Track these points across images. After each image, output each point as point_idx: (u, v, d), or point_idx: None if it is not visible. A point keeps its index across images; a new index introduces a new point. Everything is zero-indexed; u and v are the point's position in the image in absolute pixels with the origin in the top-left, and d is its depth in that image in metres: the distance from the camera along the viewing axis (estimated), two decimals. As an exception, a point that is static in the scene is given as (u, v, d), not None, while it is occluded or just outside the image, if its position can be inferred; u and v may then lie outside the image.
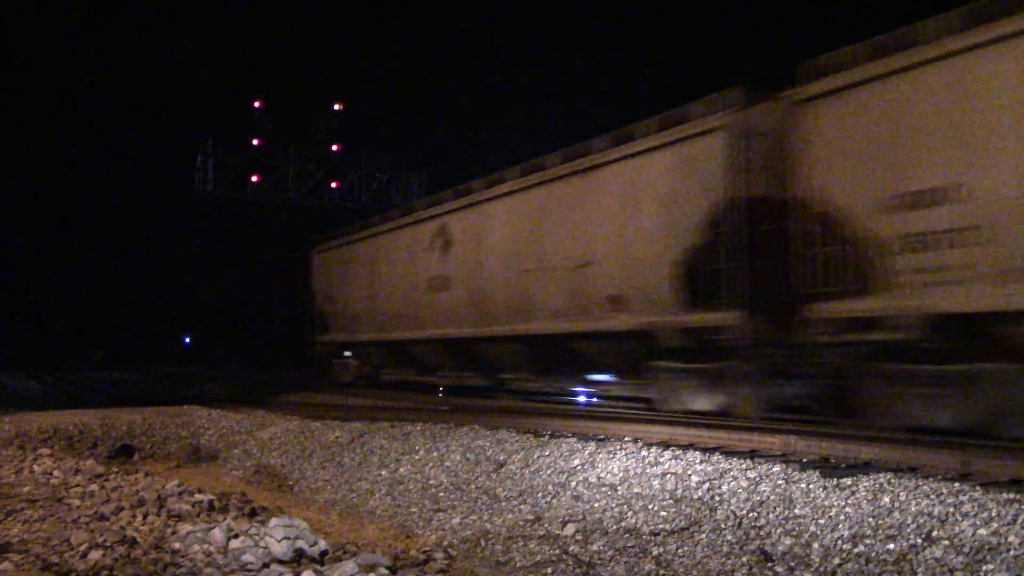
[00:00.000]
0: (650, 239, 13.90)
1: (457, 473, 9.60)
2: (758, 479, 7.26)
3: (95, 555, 6.42)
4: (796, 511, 6.50)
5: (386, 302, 22.45)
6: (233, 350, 54.40)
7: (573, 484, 8.27)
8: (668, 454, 8.44)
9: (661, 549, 6.46)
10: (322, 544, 7.23)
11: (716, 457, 8.12)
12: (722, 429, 10.50)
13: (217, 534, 7.15)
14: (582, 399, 18.72)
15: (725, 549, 6.21)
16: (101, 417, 16.20)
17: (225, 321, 60.29)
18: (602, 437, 10.20)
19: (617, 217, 14.68)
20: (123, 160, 67.44)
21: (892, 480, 6.65)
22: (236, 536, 7.20)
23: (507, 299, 17.29)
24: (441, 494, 9.12)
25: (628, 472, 8.21)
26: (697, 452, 8.44)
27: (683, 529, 6.69)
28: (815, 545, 5.93)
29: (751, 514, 6.64)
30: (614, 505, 7.54)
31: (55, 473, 10.39)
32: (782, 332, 11.77)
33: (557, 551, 6.83)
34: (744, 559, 6.02)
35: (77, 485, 9.60)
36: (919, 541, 5.59)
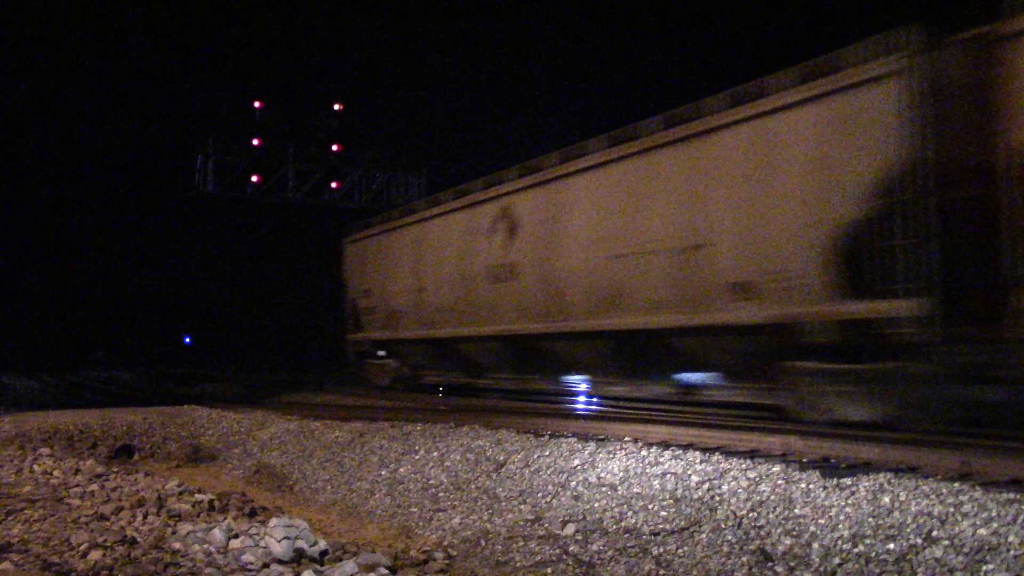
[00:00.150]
0: (790, 213, 11.63)
1: (457, 473, 9.60)
2: (758, 479, 7.26)
3: (95, 555, 6.42)
4: (796, 511, 6.50)
5: (434, 295, 20.09)
6: (234, 350, 54.42)
7: (573, 484, 8.27)
8: (668, 454, 8.44)
9: (661, 549, 6.46)
10: (322, 544, 7.23)
11: (716, 457, 8.12)
12: (722, 429, 10.50)
13: (217, 534, 7.15)
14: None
15: (725, 549, 6.21)
16: (101, 417, 16.19)
17: (226, 321, 60.27)
18: (602, 437, 10.19)
19: (741, 189, 12.37)
20: (123, 160, 67.44)
21: (892, 480, 6.65)
22: (236, 536, 7.20)
23: (589, 290, 15.06)
24: (441, 494, 9.12)
25: (628, 472, 8.21)
26: (697, 452, 8.44)
27: (683, 529, 6.69)
28: (815, 545, 5.92)
29: (751, 514, 6.64)
30: (614, 505, 7.54)
31: (55, 473, 10.39)
32: (983, 325, 9.69)
33: (557, 551, 6.83)
34: (744, 559, 6.01)
35: (77, 485, 9.60)
36: (919, 541, 5.58)
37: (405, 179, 48.72)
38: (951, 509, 5.87)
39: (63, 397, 27.24)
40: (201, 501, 9.00)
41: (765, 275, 11.93)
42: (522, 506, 8.10)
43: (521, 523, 7.68)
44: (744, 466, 7.70)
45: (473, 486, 9.05)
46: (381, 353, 23.38)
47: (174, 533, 7.29)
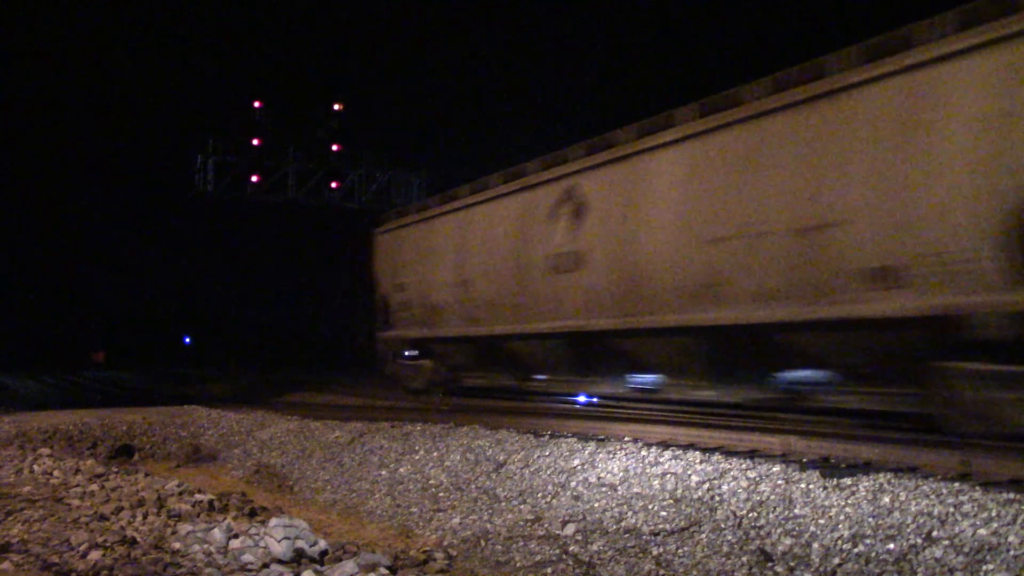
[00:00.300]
0: (953, 182, 9.72)
1: (457, 473, 9.60)
2: (758, 479, 7.26)
3: (95, 555, 6.42)
4: (796, 511, 6.50)
5: (480, 289, 18.05)
6: (235, 350, 54.44)
7: (573, 484, 8.27)
8: (668, 454, 8.44)
9: (661, 549, 6.46)
10: (322, 544, 7.24)
11: (716, 457, 8.12)
12: (722, 429, 10.51)
13: (217, 534, 7.15)
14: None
15: (725, 549, 6.21)
16: (101, 417, 16.21)
17: (226, 321, 60.30)
18: (602, 437, 10.20)
19: (883, 156, 10.50)
20: (123, 160, 67.50)
21: (892, 480, 6.65)
22: (236, 536, 7.20)
23: (679, 280, 13.12)
24: (441, 494, 9.12)
25: (628, 472, 8.21)
26: (697, 452, 8.44)
27: (683, 529, 6.69)
28: (815, 545, 5.92)
29: (751, 514, 6.64)
30: (614, 505, 7.54)
31: (55, 473, 10.39)
32: None
33: (557, 551, 6.83)
34: (744, 559, 6.02)
35: (77, 485, 9.60)
36: (919, 541, 5.58)
37: (406, 179, 48.74)
38: (951, 509, 5.87)
39: (63, 397, 27.25)
40: (201, 501, 9.01)
41: (916, 258, 9.99)
42: (522, 506, 8.10)
43: (521, 523, 7.69)
44: (744, 466, 7.70)
45: (473, 486, 9.06)
46: (412, 353, 21.35)
47: (174, 533, 7.29)
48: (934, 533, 5.63)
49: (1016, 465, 7.26)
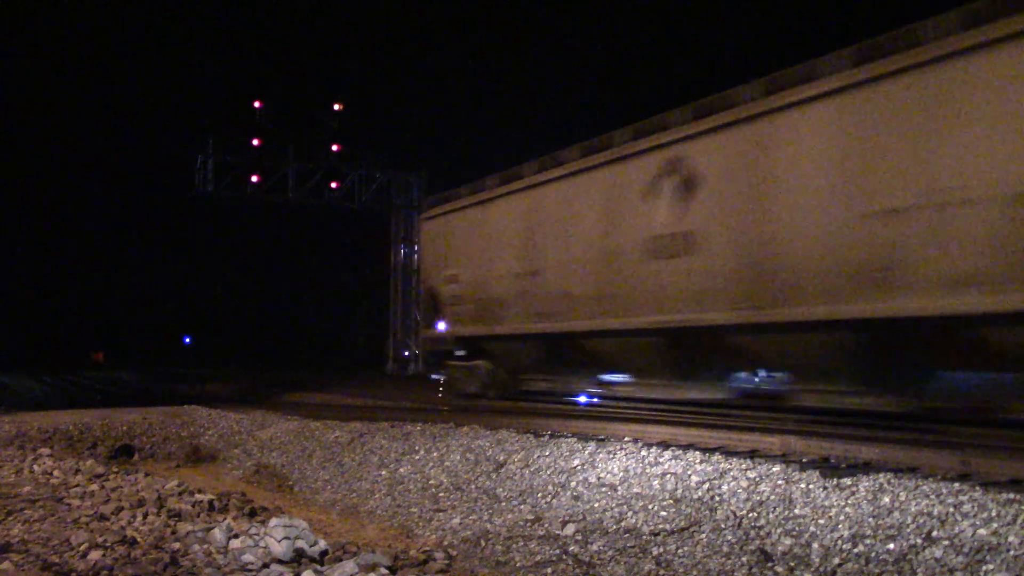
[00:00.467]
0: None
1: (457, 473, 9.61)
2: (758, 479, 7.26)
3: (95, 555, 6.42)
4: (796, 511, 6.50)
5: (555, 279, 15.91)
6: (235, 350, 54.48)
7: (573, 484, 8.27)
8: (668, 454, 8.44)
9: (661, 549, 6.46)
10: (322, 544, 7.24)
11: (716, 457, 8.12)
12: (722, 429, 10.49)
13: (217, 534, 7.15)
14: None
15: (725, 549, 6.21)
16: (101, 417, 16.22)
17: (227, 321, 60.30)
18: (602, 437, 10.19)
19: None
20: (124, 160, 67.48)
21: (892, 480, 6.65)
22: (236, 536, 7.20)
23: (830, 263, 10.99)
24: (441, 494, 9.12)
25: (628, 472, 8.21)
26: (697, 452, 8.44)
27: (683, 529, 6.69)
28: (815, 545, 5.93)
29: (751, 514, 6.64)
30: (614, 505, 7.54)
31: (55, 473, 10.40)
32: None
33: (557, 551, 6.83)
34: (744, 559, 6.02)
35: (77, 485, 9.61)
36: (919, 541, 5.58)
37: (405, 179, 48.76)
38: (951, 509, 5.87)
39: (63, 397, 27.25)
40: (201, 501, 9.01)
41: None
42: (522, 506, 8.10)
43: (521, 523, 7.69)
44: (744, 466, 7.70)
45: (473, 486, 9.06)
46: (460, 353, 19.28)
47: (174, 533, 7.29)
48: (934, 533, 5.63)
49: (1016, 465, 7.25)
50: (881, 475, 6.81)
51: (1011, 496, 5.91)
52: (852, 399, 12.55)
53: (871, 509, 6.18)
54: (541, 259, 16.32)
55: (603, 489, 7.96)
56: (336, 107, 47.33)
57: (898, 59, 10.48)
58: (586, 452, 9.01)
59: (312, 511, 9.77)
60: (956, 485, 6.35)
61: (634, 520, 7.13)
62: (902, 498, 6.22)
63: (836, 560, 5.68)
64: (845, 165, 10.85)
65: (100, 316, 62.67)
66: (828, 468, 7.69)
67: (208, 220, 58.48)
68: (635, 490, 7.79)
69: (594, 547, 6.77)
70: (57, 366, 46.82)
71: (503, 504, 8.30)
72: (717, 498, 7.14)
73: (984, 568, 5.14)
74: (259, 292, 62.45)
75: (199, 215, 56.75)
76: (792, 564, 5.80)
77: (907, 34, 10.54)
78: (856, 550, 5.71)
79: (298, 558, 6.92)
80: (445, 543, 7.74)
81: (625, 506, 7.44)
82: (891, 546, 5.64)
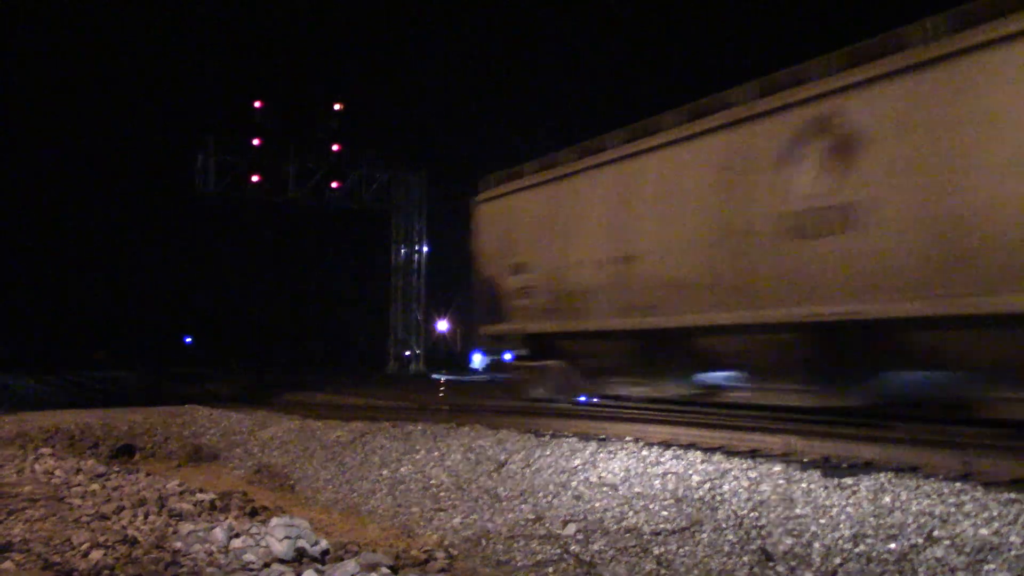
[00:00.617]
0: None
1: (458, 473, 9.61)
2: (759, 479, 7.26)
3: (96, 555, 6.42)
4: (797, 511, 6.50)
5: (652, 266, 13.72)
6: (237, 350, 54.52)
7: (574, 484, 8.27)
8: (669, 454, 8.44)
9: (662, 549, 6.46)
10: (323, 543, 7.24)
11: (717, 457, 8.11)
12: (723, 429, 10.49)
13: (218, 533, 7.16)
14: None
15: (726, 549, 6.21)
16: (102, 417, 16.22)
17: (228, 320, 60.33)
18: (603, 437, 10.19)
19: None
20: (124, 160, 67.51)
21: (893, 480, 6.64)
22: (237, 536, 7.21)
23: None
24: (442, 494, 9.12)
25: (629, 472, 8.21)
26: (698, 452, 8.44)
27: (684, 529, 6.69)
28: (816, 545, 5.93)
29: (752, 514, 6.64)
30: (615, 505, 7.55)
31: (56, 472, 10.40)
32: None
33: (558, 551, 6.83)
34: (745, 559, 6.02)
35: (78, 484, 9.61)
36: (920, 541, 5.58)
37: (407, 178, 48.82)
38: (952, 509, 5.86)
39: (64, 396, 27.26)
40: (202, 501, 9.02)
41: None
42: (523, 506, 8.10)
43: (522, 523, 7.69)
44: (745, 466, 7.70)
45: (474, 486, 9.06)
46: (522, 352, 17.48)
47: (175, 533, 7.30)
48: (935, 533, 5.63)
49: (1017, 465, 7.25)
50: (882, 475, 6.80)
51: (1012, 496, 5.91)
52: None
53: (872, 508, 6.17)
54: (636, 243, 14.17)
55: (604, 489, 7.96)
56: (336, 107, 47.41)
57: None
58: (587, 452, 9.01)
59: (313, 511, 9.77)
60: (957, 485, 6.35)
61: (635, 520, 7.13)
62: (903, 497, 6.22)
63: (837, 560, 5.68)
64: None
65: (101, 316, 62.68)
66: (829, 468, 7.70)
67: (209, 220, 58.43)
68: (636, 489, 7.79)
69: (595, 546, 6.78)
70: (59, 366, 46.82)
71: (504, 504, 8.30)
72: (718, 498, 7.14)
73: (986, 568, 5.14)
74: (260, 292, 62.47)
75: (200, 215, 56.70)
76: (793, 564, 5.80)
77: None
78: (857, 550, 5.71)
79: (299, 557, 6.92)
80: (446, 543, 7.75)
81: (626, 506, 7.44)
82: (892, 545, 5.64)
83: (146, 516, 7.91)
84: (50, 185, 65.40)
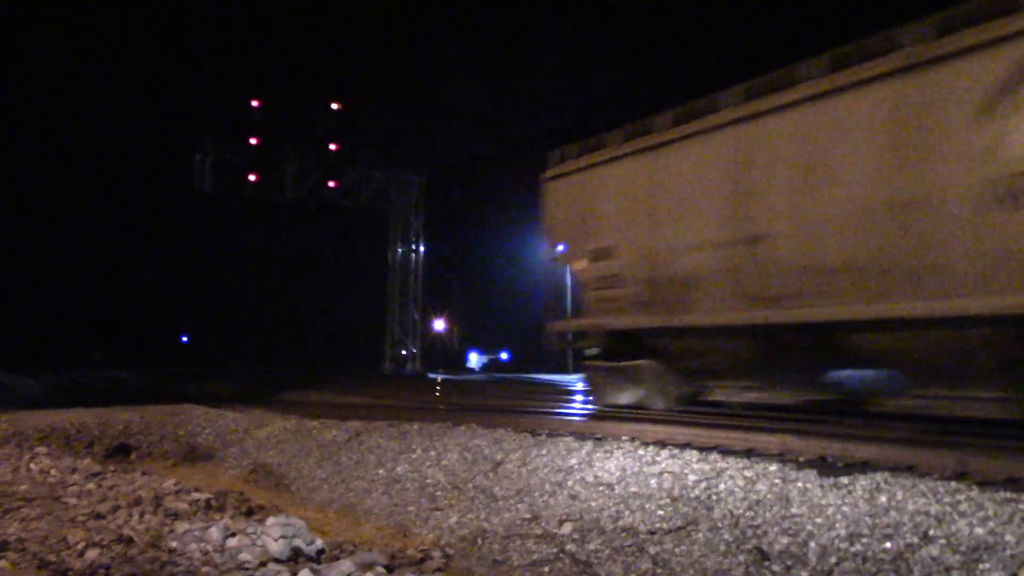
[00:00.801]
0: None
1: (454, 472, 9.60)
2: (755, 478, 7.26)
3: (92, 554, 6.42)
4: (793, 510, 6.50)
5: (791, 247, 11.55)
6: (234, 349, 54.53)
7: (570, 483, 8.26)
8: (665, 453, 8.45)
9: (658, 548, 6.46)
10: (319, 543, 7.24)
11: (713, 456, 8.12)
12: (719, 428, 10.49)
13: (214, 533, 7.15)
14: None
15: (722, 548, 6.21)
16: (98, 416, 16.20)
17: (226, 319, 60.34)
18: (599, 436, 10.19)
19: None
20: (122, 158, 67.44)
21: (889, 479, 6.65)
22: (233, 535, 7.21)
23: None
24: (438, 493, 9.11)
25: (625, 471, 8.21)
26: (694, 451, 8.44)
27: (680, 528, 6.69)
28: (812, 544, 5.92)
29: (748, 513, 6.64)
30: (611, 504, 7.54)
31: (52, 472, 10.39)
32: None
33: (554, 550, 6.83)
34: (741, 558, 6.01)
35: (74, 484, 9.60)
36: (916, 540, 5.58)
37: (404, 178, 48.83)
38: (948, 508, 5.87)
39: (61, 395, 27.23)
40: (198, 500, 9.01)
41: None
42: (519, 505, 8.10)
43: (518, 522, 7.68)
44: (741, 465, 7.71)
45: (470, 485, 9.05)
46: (592, 351, 15.48)
47: (171, 532, 7.29)
48: (931, 532, 5.63)
49: (1013, 464, 7.27)
50: (878, 474, 6.82)
51: (1008, 495, 5.93)
52: None
53: (868, 508, 6.18)
54: (762, 221, 12.06)
55: (600, 488, 7.96)
56: (334, 106, 47.39)
57: None
58: (583, 451, 9.00)
59: (309, 510, 9.76)
60: (953, 484, 6.37)
61: (631, 519, 7.13)
62: (899, 497, 6.23)
63: (833, 559, 5.68)
64: None
65: (98, 315, 62.66)
66: (825, 467, 7.71)
67: (206, 219, 58.46)
68: (632, 489, 7.79)
69: (591, 546, 6.77)
70: (56, 364, 46.79)
71: (500, 503, 8.29)
72: (714, 497, 7.14)
73: (980, 567, 5.14)
74: (257, 291, 62.45)
75: (197, 214, 56.76)
76: (789, 563, 5.80)
77: None
78: (853, 549, 5.71)
79: (295, 557, 6.92)
80: (442, 542, 7.74)
81: (622, 505, 7.44)
82: (888, 545, 5.64)
83: (142, 515, 7.91)
84: (48, 185, 65.35)
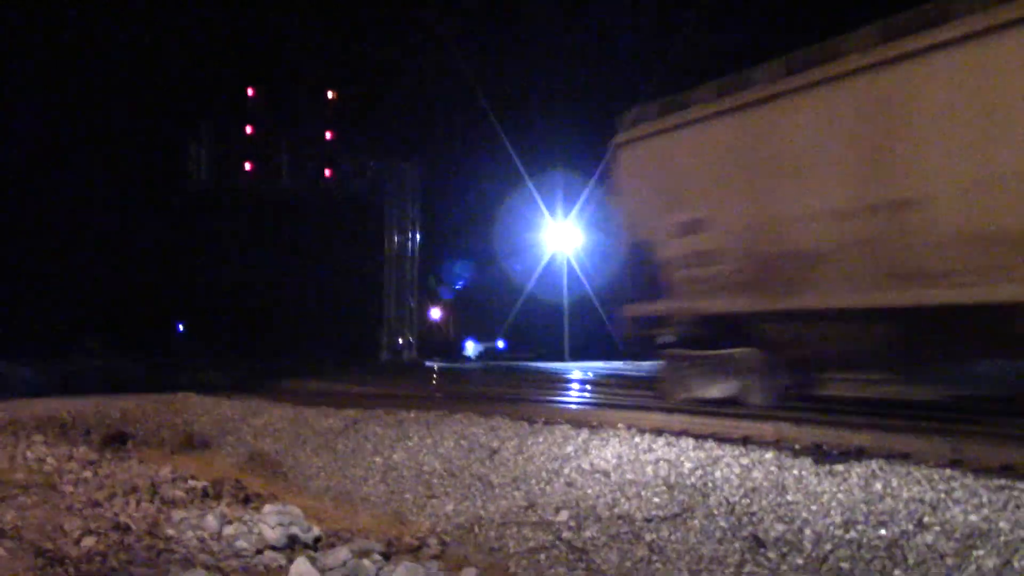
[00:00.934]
0: None
1: (451, 460, 9.61)
2: (751, 466, 7.28)
3: (88, 541, 6.43)
4: (788, 497, 6.52)
5: (954, 212, 9.68)
6: (231, 338, 54.53)
7: (566, 471, 8.27)
8: (661, 440, 8.45)
9: (654, 535, 6.47)
10: (316, 531, 7.27)
11: (709, 444, 8.13)
12: (715, 416, 10.49)
13: (211, 520, 7.18)
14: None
15: (718, 535, 6.23)
16: (95, 404, 16.21)
17: (222, 309, 60.30)
18: (595, 424, 10.19)
19: None
20: (117, 147, 67.21)
21: (884, 467, 6.67)
22: (230, 523, 7.23)
23: None
24: (435, 481, 9.13)
25: (621, 459, 8.22)
26: (690, 439, 8.44)
27: (676, 515, 6.71)
28: (807, 531, 5.94)
29: (744, 500, 6.66)
30: (607, 492, 7.55)
31: (48, 460, 10.40)
32: None
33: (550, 537, 6.85)
34: (737, 545, 6.03)
35: (70, 472, 9.62)
36: (911, 527, 5.60)
37: (400, 167, 48.76)
38: (942, 495, 5.89)
39: (57, 384, 27.19)
40: (194, 488, 9.04)
41: None
42: (515, 492, 8.11)
43: (515, 510, 7.70)
44: (737, 453, 7.72)
45: (467, 473, 9.07)
46: (666, 339, 13.61)
47: (168, 520, 7.32)
48: (925, 519, 5.65)
49: (1007, 452, 7.29)
50: (873, 462, 6.83)
51: (1002, 482, 5.94)
52: None
53: (863, 495, 6.20)
54: (913, 182, 10.21)
55: (596, 476, 7.96)
56: (330, 95, 47.29)
57: None
58: (579, 439, 9.00)
59: (306, 498, 9.78)
60: (948, 472, 6.38)
61: (627, 506, 7.14)
62: (894, 484, 6.24)
63: (828, 546, 5.70)
64: None
65: (94, 303, 62.58)
66: (820, 455, 7.71)
67: (202, 208, 58.33)
68: (628, 476, 7.80)
69: (587, 533, 6.79)
70: (51, 353, 46.76)
71: (497, 491, 8.30)
72: (710, 484, 7.15)
73: (975, 554, 5.16)
74: (253, 280, 62.26)
75: (192, 203, 56.62)
76: (784, 550, 5.82)
77: None
78: (848, 536, 5.73)
79: (292, 544, 6.94)
80: (439, 529, 7.76)
81: (618, 492, 7.45)
82: (883, 532, 5.66)
83: (138, 503, 7.93)
84: (42, 174, 65.17)
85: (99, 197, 63.81)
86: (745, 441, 8.57)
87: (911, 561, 5.29)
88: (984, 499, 5.69)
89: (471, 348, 54.06)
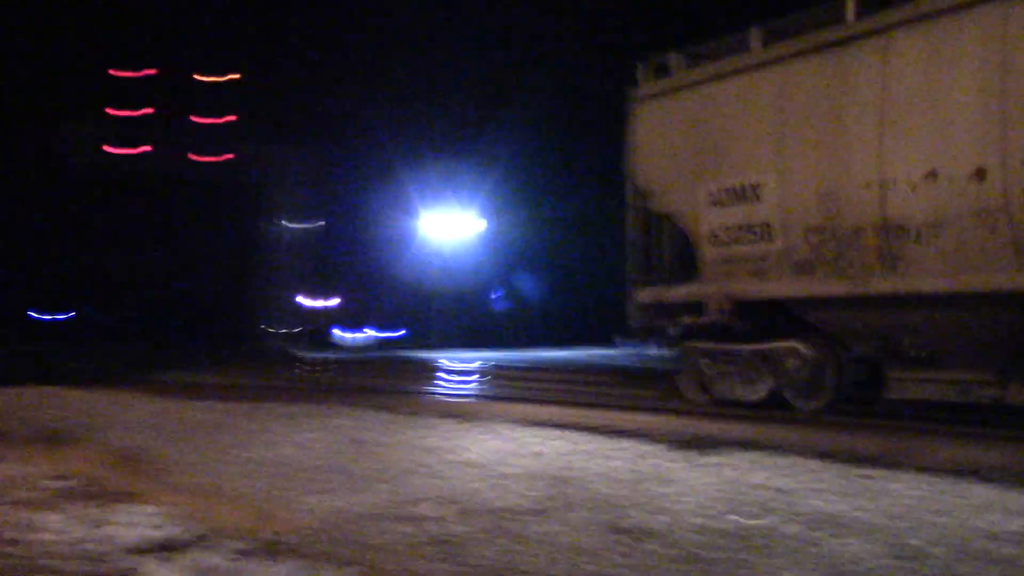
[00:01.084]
0: None
1: (317, 453, 9.43)
2: (632, 459, 7.31)
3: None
4: (660, 489, 6.53)
5: None
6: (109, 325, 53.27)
7: (432, 463, 8.18)
8: (528, 432, 8.42)
9: (519, 527, 6.41)
10: (174, 529, 7.01)
11: (575, 435, 8.14)
12: (586, 408, 10.51)
13: (59, 522, 6.90)
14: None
15: (581, 526, 6.18)
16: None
17: (90, 294, 58.74)
18: (461, 415, 10.14)
19: None
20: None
21: (762, 457, 6.75)
22: (80, 524, 6.95)
23: None
24: (300, 474, 8.94)
25: (490, 451, 8.17)
26: (571, 431, 8.46)
27: (540, 508, 6.65)
28: (672, 520, 5.93)
29: (609, 491, 6.63)
30: (474, 484, 7.48)
31: None
32: None
33: (414, 529, 6.73)
34: (601, 536, 5.99)
35: None
36: (776, 519, 5.65)
37: (299, 153, 48.53)
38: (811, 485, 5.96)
39: None
40: (47, 487, 8.68)
41: None
42: (380, 485, 7.99)
43: (380, 503, 7.57)
44: (614, 445, 7.75)
45: (332, 465, 8.93)
46: (681, 324, 12.07)
47: (11, 523, 6.98)
48: (796, 508, 5.71)
49: (878, 442, 7.44)
50: (747, 453, 6.90)
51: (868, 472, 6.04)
52: None
53: (733, 487, 6.23)
54: None
55: (463, 467, 7.90)
56: (232, 77, 46.84)
57: None
58: (448, 431, 8.93)
59: (168, 495, 9.45)
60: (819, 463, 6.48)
61: (494, 498, 7.07)
62: (766, 476, 6.31)
63: (696, 537, 5.69)
64: None
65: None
66: (699, 446, 7.73)
67: (92, 191, 56.58)
68: (500, 469, 7.75)
69: (454, 526, 6.69)
70: None
71: (360, 484, 8.18)
72: (577, 475, 7.12)
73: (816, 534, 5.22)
74: (135, 266, 60.71)
75: (79, 186, 54.88)
76: (652, 541, 5.79)
77: None
78: (718, 526, 5.75)
79: (148, 545, 6.68)
80: (300, 524, 7.57)
81: (485, 484, 7.39)
82: (753, 522, 5.69)
83: (-23, 506, 7.55)
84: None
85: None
86: (630, 433, 8.59)
87: (779, 550, 5.30)
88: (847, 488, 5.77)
89: (350, 337, 53.41)
